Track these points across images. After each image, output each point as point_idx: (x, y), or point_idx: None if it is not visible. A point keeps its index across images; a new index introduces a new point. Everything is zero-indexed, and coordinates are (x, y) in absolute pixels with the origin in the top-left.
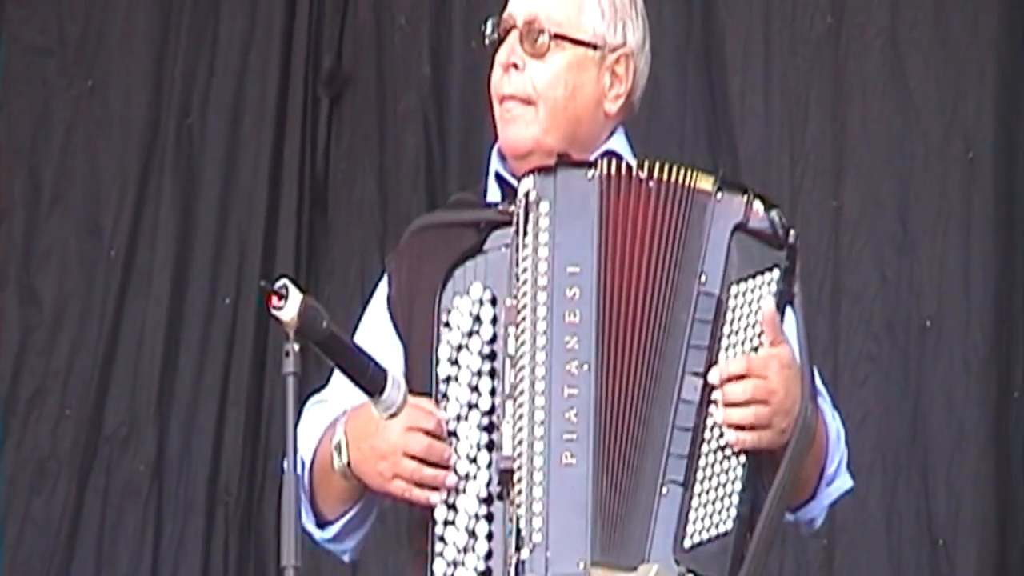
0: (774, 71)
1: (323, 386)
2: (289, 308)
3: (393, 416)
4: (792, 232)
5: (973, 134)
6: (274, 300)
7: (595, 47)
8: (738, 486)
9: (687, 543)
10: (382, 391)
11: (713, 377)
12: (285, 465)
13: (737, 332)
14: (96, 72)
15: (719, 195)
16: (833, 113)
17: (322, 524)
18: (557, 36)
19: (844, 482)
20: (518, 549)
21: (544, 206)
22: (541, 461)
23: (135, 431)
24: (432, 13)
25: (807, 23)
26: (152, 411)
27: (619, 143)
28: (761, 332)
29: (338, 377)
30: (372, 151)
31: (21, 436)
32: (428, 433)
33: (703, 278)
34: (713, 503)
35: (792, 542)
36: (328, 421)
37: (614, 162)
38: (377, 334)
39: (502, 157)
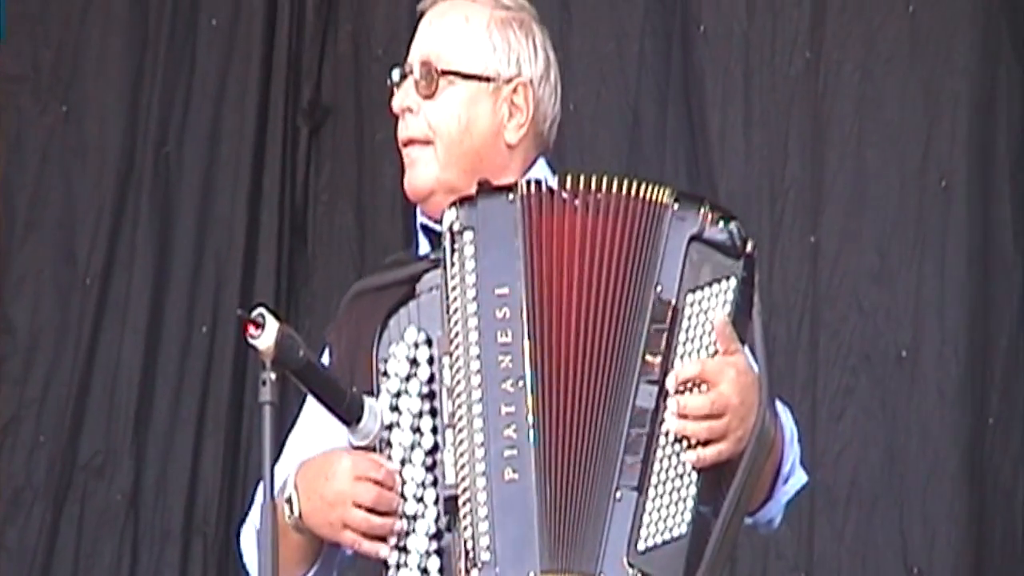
0: (754, 108)
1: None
2: (266, 337)
3: (369, 446)
4: (750, 243)
5: (946, 163)
6: (251, 329)
7: (487, 80)
8: (693, 491)
9: (640, 546)
10: (359, 420)
11: (669, 383)
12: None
13: (693, 340)
14: (71, 98)
15: (675, 206)
16: (812, 148)
17: None
18: (446, 72)
19: (799, 479)
20: (467, 572)
21: (468, 235)
22: (484, 481)
23: (111, 460)
24: (409, 43)
25: (786, 60)
26: (128, 440)
27: (540, 172)
28: (715, 340)
29: (306, 417)
30: (351, 182)
31: None
32: (377, 483)
33: (659, 287)
34: (667, 507)
35: (772, 574)
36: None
37: (533, 183)
38: (320, 410)
39: (423, 212)
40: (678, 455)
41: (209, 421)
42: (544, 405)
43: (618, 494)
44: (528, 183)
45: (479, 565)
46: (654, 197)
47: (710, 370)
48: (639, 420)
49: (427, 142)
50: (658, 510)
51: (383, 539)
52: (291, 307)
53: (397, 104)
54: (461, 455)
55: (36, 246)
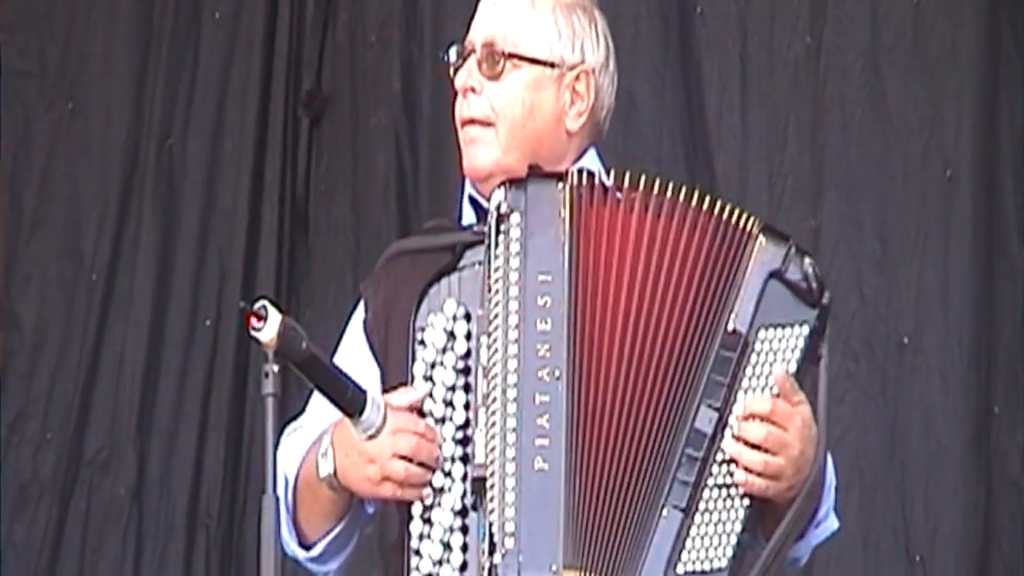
0: (751, 90)
1: (302, 410)
2: (268, 329)
3: (372, 437)
4: (827, 293)
5: (951, 153)
6: (253, 321)
7: (552, 65)
8: (738, 527)
9: (680, 569)
10: (362, 412)
11: (736, 410)
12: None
13: (759, 376)
14: (77, 95)
15: (761, 238)
16: (812, 133)
17: (305, 545)
18: (513, 56)
19: (831, 524)
20: (491, 555)
21: (515, 217)
22: (513, 467)
23: (115, 454)
24: (401, 28)
25: (785, 43)
26: (132, 434)
27: (591, 162)
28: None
29: (315, 402)
30: (346, 170)
31: (2, 461)
32: (416, 434)
33: (733, 315)
34: (711, 537)
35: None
36: (307, 444)
37: (585, 174)
38: (354, 359)
39: (473, 184)
40: (729, 487)
41: (212, 414)
42: (580, 399)
43: (664, 511)
44: (580, 172)
45: (502, 551)
46: (740, 223)
47: (780, 411)
48: (695, 442)
49: (488, 123)
50: (702, 537)
51: (420, 488)
52: (292, 298)
53: (460, 82)
54: (492, 437)
55: (42, 243)
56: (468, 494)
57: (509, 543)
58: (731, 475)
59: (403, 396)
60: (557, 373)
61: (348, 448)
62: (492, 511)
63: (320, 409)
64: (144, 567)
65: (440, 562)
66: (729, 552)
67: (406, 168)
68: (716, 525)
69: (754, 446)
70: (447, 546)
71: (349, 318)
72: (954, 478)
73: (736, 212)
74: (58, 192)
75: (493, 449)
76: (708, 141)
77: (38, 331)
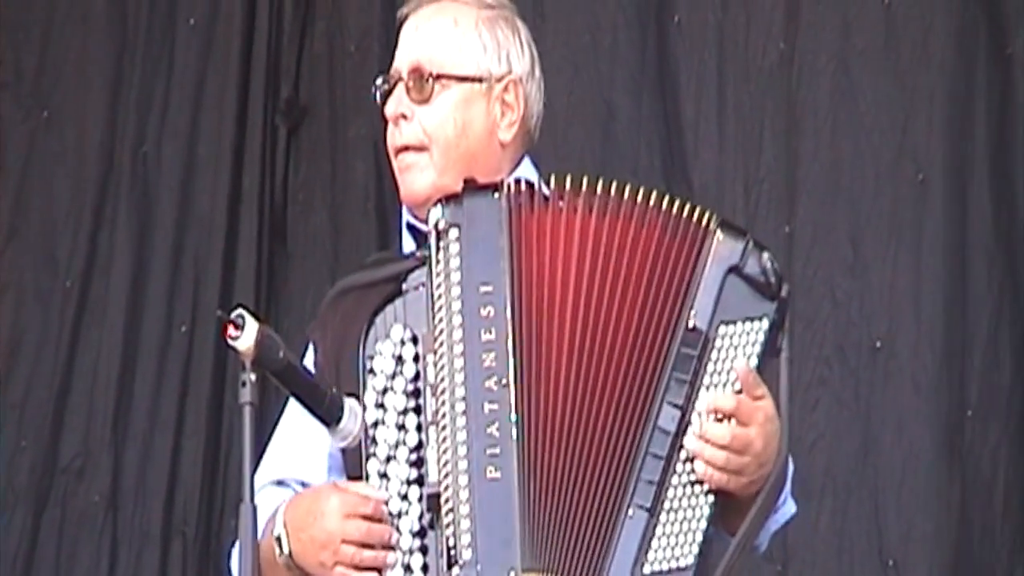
0: (728, 99)
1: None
2: (245, 338)
3: (349, 445)
4: (785, 285)
5: (923, 156)
6: (231, 330)
7: (480, 80)
8: (703, 524)
9: (647, 569)
10: (339, 420)
11: (699, 406)
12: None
13: (720, 373)
14: (52, 104)
15: (719, 234)
16: (786, 139)
17: None
18: (440, 76)
19: (789, 508)
20: (449, 569)
21: (453, 232)
22: (466, 479)
23: (90, 461)
24: (380, 39)
25: (760, 50)
26: (107, 440)
27: (527, 171)
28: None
29: (288, 416)
30: (325, 180)
31: None
32: (366, 517)
33: (693, 311)
34: (677, 535)
35: (747, 568)
36: (272, 509)
37: (523, 183)
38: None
39: (411, 211)
40: (693, 484)
41: (188, 421)
42: (529, 404)
43: (630, 511)
44: (517, 181)
45: (460, 563)
46: (695, 219)
47: (744, 409)
48: (659, 441)
49: (422, 148)
50: (667, 536)
51: (376, 571)
52: (271, 307)
53: (391, 111)
54: (444, 452)
55: (18, 252)
56: (424, 514)
57: (467, 554)
58: (694, 471)
59: (361, 487)
60: (504, 381)
61: (300, 532)
62: (448, 525)
63: (288, 430)
64: (119, 574)
65: None
66: (695, 549)
67: (385, 177)
68: (682, 523)
69: (718, 446)
70: (407, 569)
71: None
72: (927, 482)
73: (691, 209)
74: (34, 200)
75: (446, 464)
76: (685, 151)
77: (13, 338)
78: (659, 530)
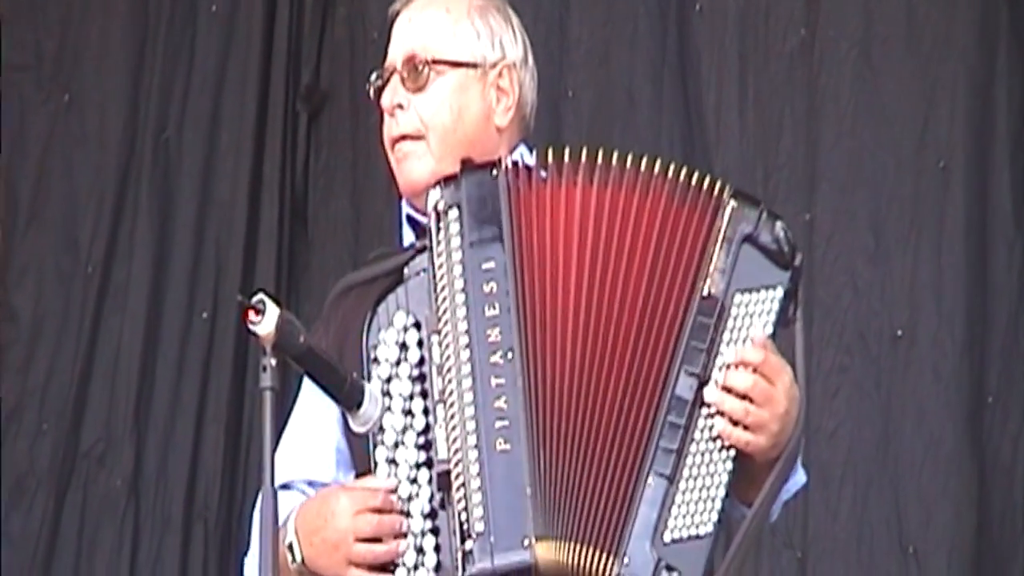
0: (749, 86)
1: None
2: (266, 323)
3: (370, 430)
4: (799, 254)
5: (945, 144)
6: (251, 315)
7: (475, 66)
8: (722, 492)
9: (667, 536)
10: (359, 405)
11: (717, 375)
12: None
13: (736, 341)
14: (73, 87)
15: (733, 202)
16: (807, 126)
17: None
18: (435, 62)
19: (799, 479)
20: (463, 543)
21: (453, 212)
22: (475, 453)
23: (112, 447)
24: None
25: (781, 37)
26: (129, 426)
27: (523, 156)
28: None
29: (302, 404)
30: (346, 166)
31: None
32: (376, 510)
33: (708, 280)
34: (696, 503)
35: (767, 554)
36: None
37: (520, 159)
38: (312, 403)
39: (410, 203)
40: (711, 452)
41: (210, 407)
42: (537, 376)
43: (649, 479)
44: (512, 161)
45: (473, 536)
46: (707, 187)
47: (770, 364)
48: (677, 409)
49: (419, 137)
50: (687, 504)
51: (390, 566)
52: (292, 292)
53: (387, 102)
54: (453, 429)
55: (39, 235)
56: (435, 495)
57: (479, 527)
58: (714, 440)
59: (366, 481)
60: (510, 355)
61: (312, 536)
62: (460, 500)
63: (302, 419)
64: (141, 559)
65: (415, 567)
66: (714, 517)
67: None
68: (701, 491)
69: (740, 395)
70: (420, 551)
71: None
72: (947, 469)
73: (701, 177)
74: (54, 185)
75: (455, 440)
76: (706, 137)
77: (34, 323)
78: (679, 498)
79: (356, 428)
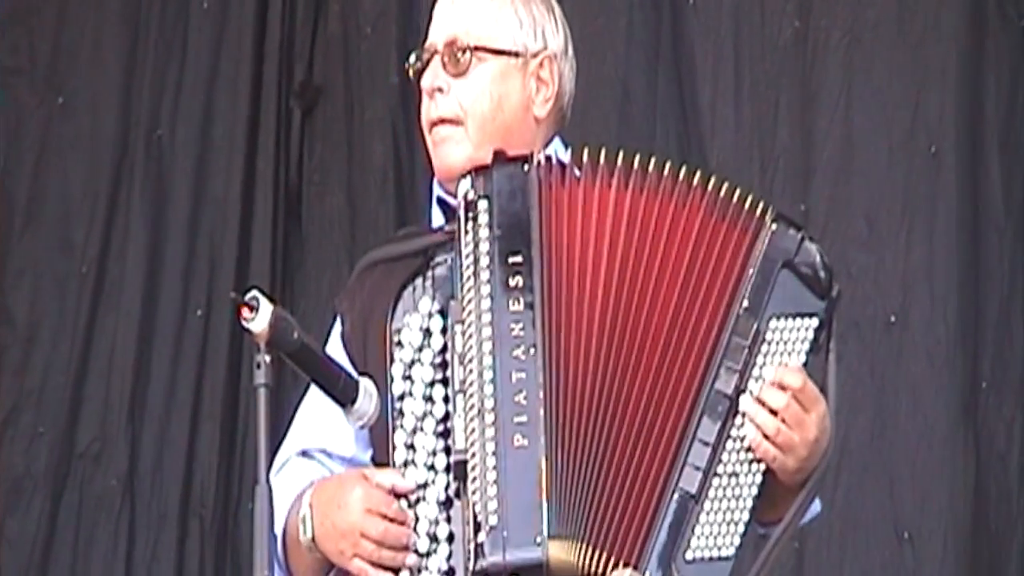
0: (744, 78)
1: (299, 403)
2: (260, 320)
3: (365, 426)
4: (836, 285)
5: (936, 129)
6: (245, 312)
7: (516, 55)
8: (747, 516)
9: (688, 555)
10: (354, 401)
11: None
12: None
13: (769, 366)
14: (67, 89)
15: (774, 226)
16: (801, 117)
17: None
18: (477, 49)
19: (816, 507)
20: (476, 535)
21: (483, 203)
22: (492, 446)
23: (107, 446)
24: (398, 21)
25: (775, 29)
26: (123, 425)
27: (558, 151)
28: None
29: (311, 393)
30: (341, 161)
31: None
32: (387, 517)
33: (744, 302)
34: (720, 524)
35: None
36: (295, 487)
37: (553, 156)
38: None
39: (441, 185)
40: (738, 476)
41: (205, 404)
42: (558, 374)
43: (675, 495)
44: (546, 156)
45: (486, 529)
46: (747, 205)
47: (808, 393)
48: (707, 428)
49: (458, 122)
50: (711, 524)
51: (393, 570)
52: (286, 289)
53: (427, 84)
54: (471, 420)
55: (34, 237)
56: (451, 484)
57: (493, 520)
58: (741, 459)
59: (388, 476)
60: (532, 351)
61: (324, 517)
62: (475, 492)
63: (306, 427)
64: (137, 557)
65: (428, 554)
66: (737, 540)
67: (403, 161)
68: (726, 513)
69: (772, 412)
70: (434, 538)
71: (327, 339)
72: (942, 455)
73: (743, 195)
74: (50, 186)
75: (473, 432)
76: (701, 129)
77: (31, 326)
78: (703, 518)
79: (352, 423)
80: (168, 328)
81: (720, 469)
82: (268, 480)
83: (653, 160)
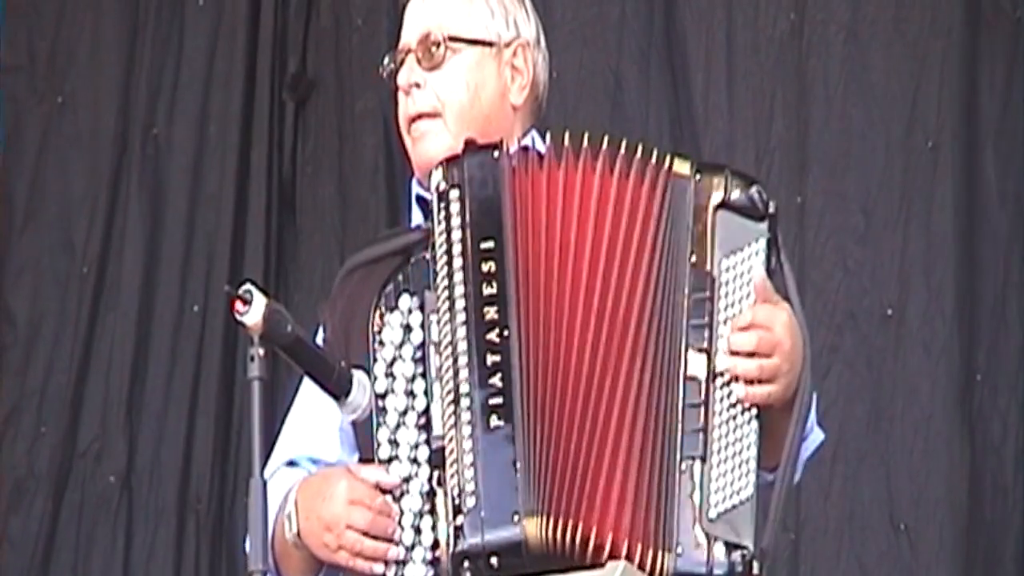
0: (737, 69)
1: (291, 403)
2: (253, 313)
3: (359, 418)
4: (772, 203)
5: (933, 123)
6: (238, 305)
7: (490, 44)
8: (753, 451)
9: (712, 513)
10: (347, 393)
11: (723, 345)
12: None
13: (733, 305)
14: (66, 87)
15: (697, 177)
16: (797, 109)
17: None
18: (451, 39)
19: (817, 436)
20: (455, 517)
21: (454, 192)
22: (469, 430)
23: (107, 444)
24: (390, 14)
25: (770, 20)
26: (122, 420)
27: (534, 140)
28: (755, 300)
29: (298, 401)
30: (332, 153)
31: None
32: (372, 509)
33: (692, 256)
34: (732, 471)
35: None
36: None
37: (519, 145)
38: (316, 393)
39: (420, 183)
40: (734, 419)
41: (201, 399)
42: (533, 354)
43: (683, 465)
44: (519, 144)
45: (464, 511)
46: (674, 168)
47: (761, 317)
48: (693, 390)
49: (436, 115)
50: (724, 475)
51: (377, 560)
52: (281, 282)
53: (404, 80)
54: (448, 405)
55: (35, 236)
56: (433, 474)
57: (470, 502)
58: (733, 406)
59: (372, 472)
60: (506, 333)
61: (309, 512)
62: (453, 475)
63: (293, 435)
64: (135, 552)
65: (412, 547)
66: (752, 478)
67: (394, 153)
68: (734, 458)
69: (748, 354)
70: (418, 531)
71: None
72: (938, 446)
73: (660, 156)
74: (50, 185)
75: (450, 416)
76: (695, 121)
77: (32, 325)
78: (714, 472)
79: (345, 416)
80: (165, 325)
81: (716, 420)
82: (262, 473)
83: (620, 140)
